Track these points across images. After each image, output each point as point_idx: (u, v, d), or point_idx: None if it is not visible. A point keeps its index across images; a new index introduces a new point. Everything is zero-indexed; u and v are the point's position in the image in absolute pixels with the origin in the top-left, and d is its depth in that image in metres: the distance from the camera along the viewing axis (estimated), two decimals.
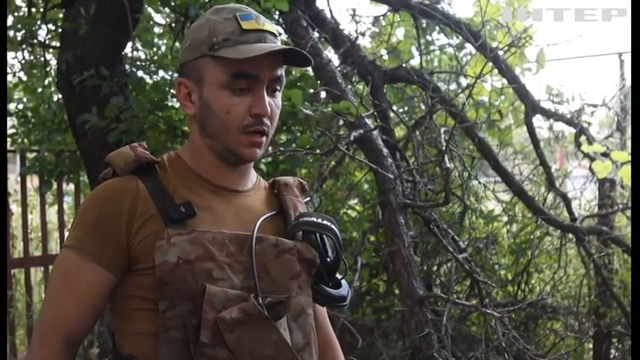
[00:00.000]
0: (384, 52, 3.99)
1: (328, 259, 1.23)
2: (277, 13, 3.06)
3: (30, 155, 4.24)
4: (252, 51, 1.10)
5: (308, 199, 1.34)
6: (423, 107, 3.84)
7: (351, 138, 2.77)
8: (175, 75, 3.36)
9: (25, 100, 4.73)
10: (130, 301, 1.13)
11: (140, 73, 3.36)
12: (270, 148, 3.00)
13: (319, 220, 1.20)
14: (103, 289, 1.12)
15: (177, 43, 3.35)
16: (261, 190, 1.27)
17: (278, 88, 1.18)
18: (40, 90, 4.35)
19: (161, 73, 3.45)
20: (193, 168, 1.19)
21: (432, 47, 4.16)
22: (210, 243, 1.11)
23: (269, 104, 1.14)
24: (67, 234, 1.12)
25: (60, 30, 3.63)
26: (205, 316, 1.06)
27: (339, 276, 1.27)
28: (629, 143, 4.30)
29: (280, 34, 3.16)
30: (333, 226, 1.21)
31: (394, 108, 3.77)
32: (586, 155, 3.88)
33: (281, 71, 1.17)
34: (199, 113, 1.17)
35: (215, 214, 1.15)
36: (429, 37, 4.09)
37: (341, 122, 3.13)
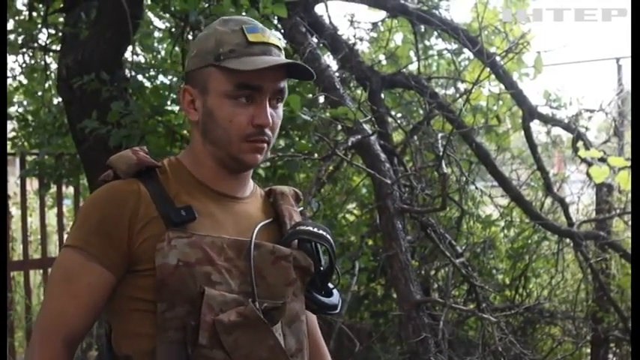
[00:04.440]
0: (382, 57, 4.01)
1: (321, 268, 1.26)
2: (276, 18, 3.07)
3: (30, 158, 4.25)
4: (256, 63, 1.13)
5: (302, 208, 1.36)
6: (420, 112, 3.86)
7: (349, 143, 2.79)
8: (175, 79, 3.38)
9: (25, 103, 4.75)
10: (129, 302, 1.14)
11: (140, 78, 3.37)
12: (268, 153, 3.01)
13: (315, 230, 1.23)
14: (104, 289, 1.13)
15: (176, 48, 3.37)
16: (257, 198, 1.29)
17: (280, 99, 1.20)
18: (40, 93, 4.38)
19: (161, 77, 3.46)
20: (194, 174, 1.21)
21: (429, 52, 4.18)
22: (210, 247, 1.13)
23: (271, 115, 1.17)
24: (66, 237, 1.14)
25: (60, 34, 3.64)
26: (204, 318, 1.08)
27: (331, 285, 1.29)
28: (626, 148, 4.32)
29: (284, 42, 3.19)
30: (328, 236, 1.23)
31: (392, 113, 3.79)
32: (583, 160, 3.90)
33: (284, 84, 1.19)
34: (202, 120, 1.19)
35: (214, 219, 1.17)
36: (426, 43, 4.11)
37: (339, 127, 3.15)
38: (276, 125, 1.20)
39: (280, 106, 1.21)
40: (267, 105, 1.16)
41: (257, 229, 1.19)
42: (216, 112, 1.17)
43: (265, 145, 1.19)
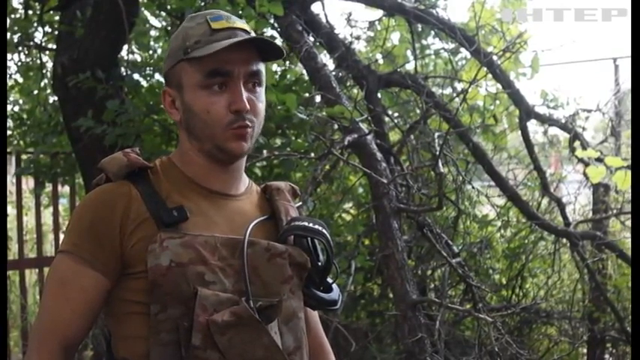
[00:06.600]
0: (378, 56, 4.00)
1: (319, 264, 1.25)
2: (272, 17, 3.06)
3: (25, 157, 4.24)
4: (218, 46, 1.12)
5: (300, 203, 1.35)
6: (417, 112, 3.85)
7: (346, 142, 2.78)
8: None
9: (20, 102, 4.75)
10: (124, 305, 1.13)
11: (136, 76, 3.36)
12: (264, 152, 3.00)
13: (311, 225, 1.21)
14: (98, 293, 1.13)
15: None
16: (253, 195, 1.28)
17: (257, 82, 1.18)
18: (35, 92, 4.37)
19: (157, 76, 3.45)
20: (185, 173, 1.20)
21: (426, 52, 4.17)
22: (203, 246, 1.11)
23: (248, 99, 1.15)
24: (62, 236, 1.13)
25: (56, 32, 3.64)
26: (197, 318, 1.07)
27: (330, 280, 1.28)
28: (623, 148, 4.32)
29: (275, 38, 3.18)
30: (324, 231, 1.22)
31: (389, 112, 3.78)
32: (580, 160, 3.90)
33: (257, 66, 1.17)
34: (184, 118, 1.18)
35: (207, 218, 1.16)
36: (423, 42, 4.10)
37: (335, 126, 3.15)
38: (258, 109, 1.18)
39: (259, 90, 1.19)
40: (243, 89, 1.15)
41: (251, 226, 1.18)
42: (193, 105, 1.16)
43: (249, 130, 1.16)
